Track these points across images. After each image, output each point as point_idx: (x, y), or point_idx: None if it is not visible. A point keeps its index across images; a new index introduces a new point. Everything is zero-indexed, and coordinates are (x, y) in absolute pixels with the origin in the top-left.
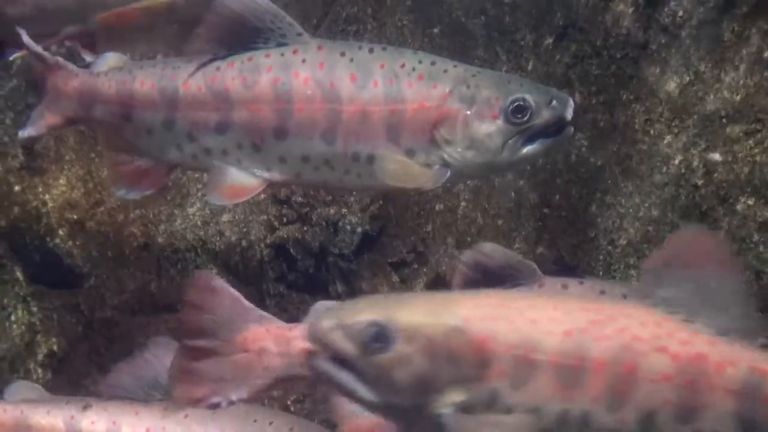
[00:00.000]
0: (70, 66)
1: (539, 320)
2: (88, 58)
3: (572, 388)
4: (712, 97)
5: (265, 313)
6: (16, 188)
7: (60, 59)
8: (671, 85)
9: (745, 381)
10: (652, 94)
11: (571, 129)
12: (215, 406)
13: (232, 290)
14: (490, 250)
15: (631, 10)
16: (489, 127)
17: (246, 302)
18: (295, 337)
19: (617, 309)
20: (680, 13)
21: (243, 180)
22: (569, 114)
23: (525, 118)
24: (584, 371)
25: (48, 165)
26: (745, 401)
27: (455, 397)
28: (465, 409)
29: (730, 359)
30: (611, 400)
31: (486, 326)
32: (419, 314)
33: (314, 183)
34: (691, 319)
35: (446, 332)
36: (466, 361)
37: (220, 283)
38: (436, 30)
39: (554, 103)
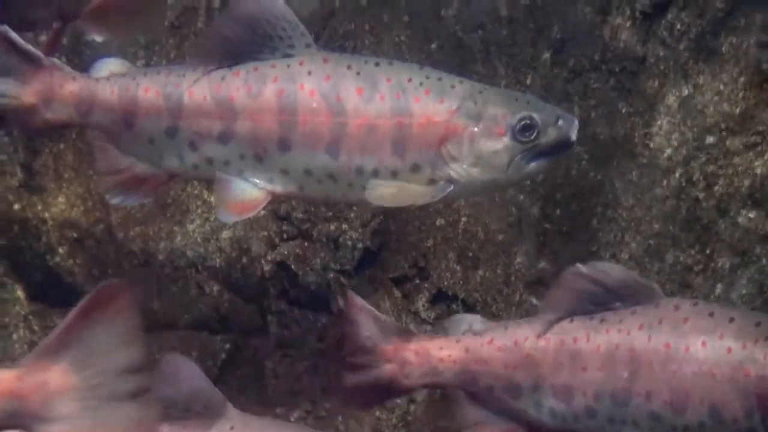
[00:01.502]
0: (67, 68)
1: None
2: (98, 38)
3: None
4: (711, 109)
5: None
6: (16, 207)
7: (56, 60)
8: (670, 98)
9: None
10: (652, 107)
11: (574, 150)
12: None
13: None
14: (608, 269)
15: (628, 23)
16: (496, 144)
17: None
18: None
19: None
20: (678, 26)
21: (248, 192)
22: (574, 134)
23: (532, 137)
24: None
25: (47, 183)
26: None
27: None
28: None
29: None
30: None
31: None
32: None
33: (317, 196)
34: None
35: None
36: None
37: None
38: (433, 45)
39: (560, 122)
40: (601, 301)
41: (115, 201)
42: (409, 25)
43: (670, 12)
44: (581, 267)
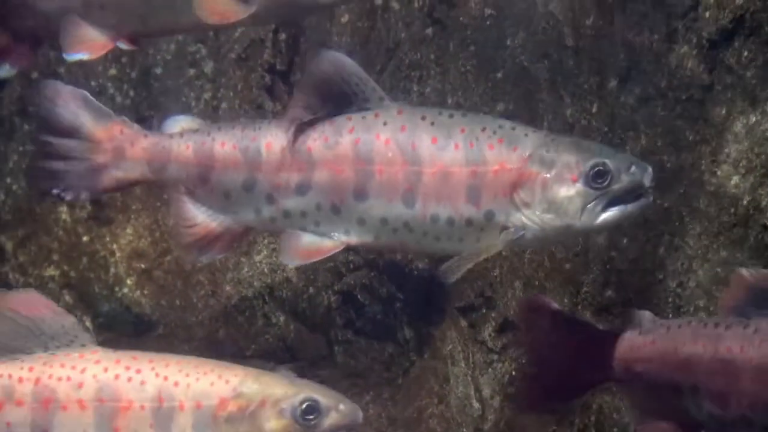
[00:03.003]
0: (135, 126)
1: None
2: (124, 46)
3: None
4: None
5: None
6: (85, 238)
7: (125, 118)
8: (737, 126)
9: None
10: (719, 135)
11: (651, 198)
12: None
13: None
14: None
15: (695, 51)
16: (569, 191)
17: None
18: None
19: None
20: (745, 53)
21: (318, 243)
22: (648, 181)
23: (605, 183)
24: None
25: (115, 215)
26: None
27: None
28: None
29: None
30: None
31: None
32: None
33: (392, 246)
34: None
35: None
36: None
37: None
38: (499, 75)
39: (633, 169)
40: (758, 306)
41: (190, 258)
42: (474, 55)
43: (737, 39)
44: (744, 271)
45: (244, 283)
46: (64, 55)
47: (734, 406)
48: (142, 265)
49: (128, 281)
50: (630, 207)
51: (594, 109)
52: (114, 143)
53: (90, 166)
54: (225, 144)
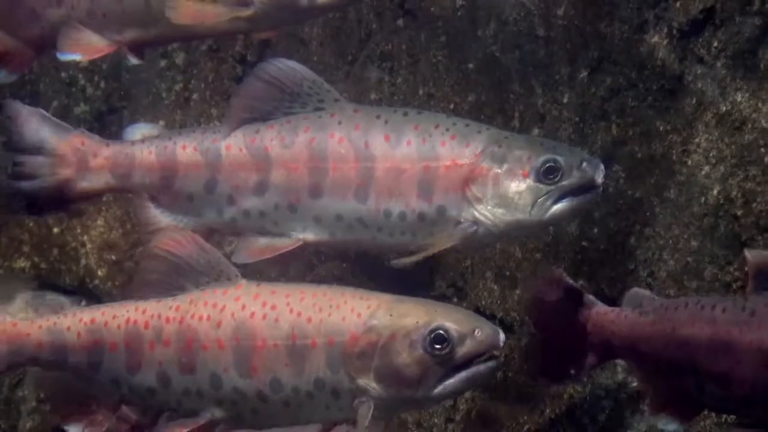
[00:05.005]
0: (96, 137)
1: None
2: (133, 60)
3: None
4: (749, 126)
5: None
6: (55, 230)
7: (83, 130)
8: (708, 116)
9: None
10: (689, 125)
11: (599, 191)
12: None
13: None
14: None
15: (665, 41)
16: (519, 185)
17: None
18: None
19: None
20: (715, 44)
21: (272, 241)
22: (599, 177)
23: (555, 179)
24: None
25: (86, 207)
26: None
27: None
28: None
29: None
30: None
31: None
32: None
33: (348, 242)
34: None
35: None
36: None
37: None
38: (471, 65)
39: (584, 165)
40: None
41: None
42: (446, 46)
43: (707, 30)
44: (746, 252)
45: None
46: (58, 55)
47: (737, 387)
48: (113, 257)
49: (99, 273)
50: (577, 200)
51: (565, 100)
52: (77, 155)
53: (57, 181)
54: (186, 147)
